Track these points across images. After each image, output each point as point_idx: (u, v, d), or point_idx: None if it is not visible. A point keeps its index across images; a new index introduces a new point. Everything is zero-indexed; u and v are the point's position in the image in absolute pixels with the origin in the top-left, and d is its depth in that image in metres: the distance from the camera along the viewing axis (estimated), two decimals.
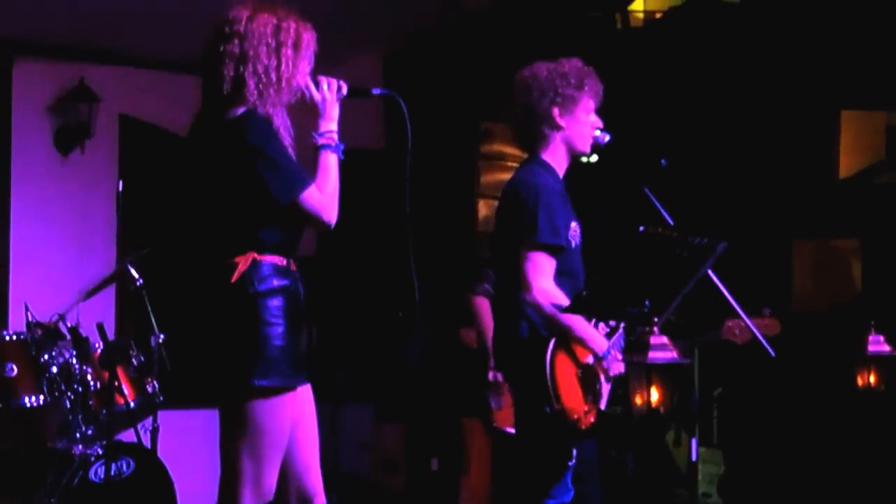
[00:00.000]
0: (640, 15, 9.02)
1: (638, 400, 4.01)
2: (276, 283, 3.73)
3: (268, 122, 3.79)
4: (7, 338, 5.73)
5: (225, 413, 3.79)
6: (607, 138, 4.82)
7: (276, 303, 3.72)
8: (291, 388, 3.76)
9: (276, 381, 3.70)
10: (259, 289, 3.69)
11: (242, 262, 3.70)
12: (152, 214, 7.81)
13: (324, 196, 3.77)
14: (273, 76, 3.78)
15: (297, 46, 3.84)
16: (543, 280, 4.48)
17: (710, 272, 4.19)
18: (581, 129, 4.79)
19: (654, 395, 3.99)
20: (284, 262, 3.80)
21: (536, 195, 4.62)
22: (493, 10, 8.40)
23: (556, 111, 4.74)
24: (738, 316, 4.51)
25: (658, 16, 8.72)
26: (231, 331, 3.70)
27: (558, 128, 4.77)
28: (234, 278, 3.68)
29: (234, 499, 3.75)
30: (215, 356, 3.74)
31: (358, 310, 8.14)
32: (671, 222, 4.59)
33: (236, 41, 3.78)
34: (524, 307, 4.48)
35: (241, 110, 3.75)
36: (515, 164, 8.76)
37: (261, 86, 3.77)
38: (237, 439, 3.74)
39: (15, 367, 5.60)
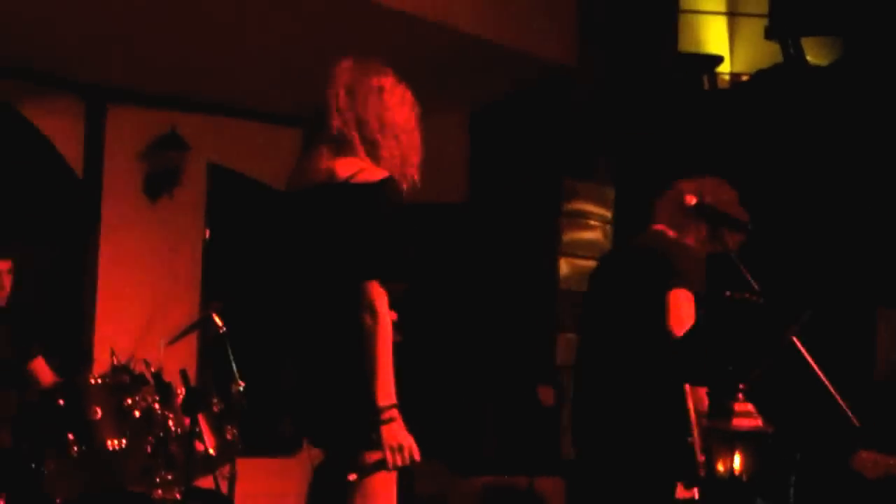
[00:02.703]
0: (727, 77, 9.01)
1: (720, 467, 3.97)
2: None
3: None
4: (92, 381, 5.80)
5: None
6: (694, 201, 4.80)
7: None
8: None
9: None
10: None
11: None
12: (239, 264, 7.89)
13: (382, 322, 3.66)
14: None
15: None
16: None
17: (795, 340, 4.15)
18: None
19: (737, 462, 3.95)
20: None
21: None
22: (580, 69, 8.43)
23: None
24: (872, 447, 4.45)
25: (745, 78, 8.71)
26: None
27: None
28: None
29: None
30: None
31: (434, 364, 8.15)
32: (756, 288, 4.56)
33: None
34: None
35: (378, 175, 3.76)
36: (597, 223, 8.86)
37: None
38: None
39: (99, 411, 5.65)
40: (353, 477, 3.68)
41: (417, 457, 3.67)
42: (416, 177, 3.90)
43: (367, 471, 3.68)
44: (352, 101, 3.82)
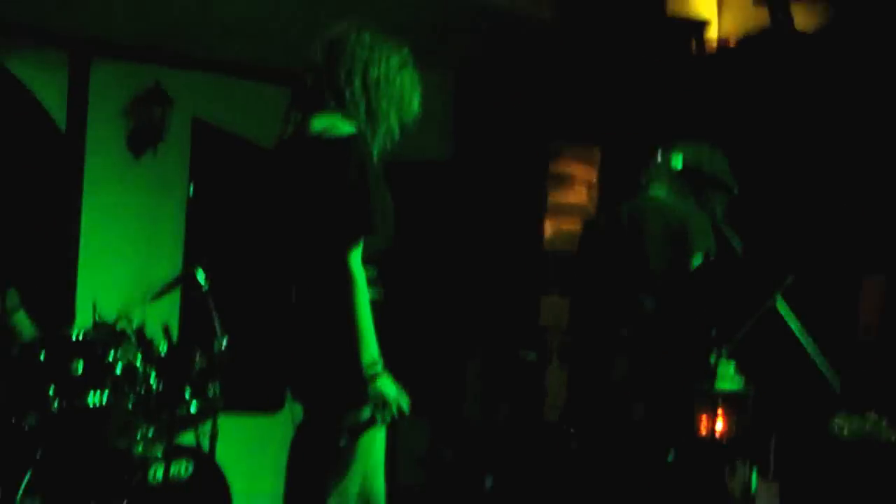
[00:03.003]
0: (715, 42, 8.97)
1: (702, 429, 3.99)
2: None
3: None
4: (74, 337, 5.79)
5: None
6: (680, 163, 4.80)
7: None
8: None
9: None
10: None
11: None
12: (222, 220, 7.86)
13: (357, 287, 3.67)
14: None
15: None
16: None
17: (780, 304, 4.16)
18: None
19: (719, 424, 3.97)
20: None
21: None
22: (566, 30, 8.39)
23: None
24: (851, 410, 4.47)
25: (732, 43, 8.68)
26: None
27: None
28: None
29: None
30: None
31: (418, 324, 8.15)
32: (740, 251, 4.56)
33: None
34: None
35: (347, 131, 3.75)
36: (582, 185, 8.84)
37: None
38: None
39: (80, 366, 5.64)
40: (343, 441, 3.69)
41: (406, 409, 3.68)
42: (395, 140, 3.89)
43: (356, 430, 3.69)
44: (341, 59, 3.80)
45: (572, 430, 5.33)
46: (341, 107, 3.79)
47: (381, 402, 3.64)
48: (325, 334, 3.70)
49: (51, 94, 7.81)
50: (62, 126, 7.86)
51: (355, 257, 3.64)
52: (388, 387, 3.65)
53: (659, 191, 5.04)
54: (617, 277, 4.88)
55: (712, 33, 8.58)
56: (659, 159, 5.05)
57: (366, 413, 3.66)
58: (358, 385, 3.62)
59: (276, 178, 3.86)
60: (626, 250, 4.90)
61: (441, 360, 8.13)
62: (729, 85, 7.80)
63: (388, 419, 3.67)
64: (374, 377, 3.62)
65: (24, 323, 6.15)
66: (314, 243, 3.70)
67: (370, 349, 3.62)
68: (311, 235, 3.71)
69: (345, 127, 3.74)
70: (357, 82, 3.80)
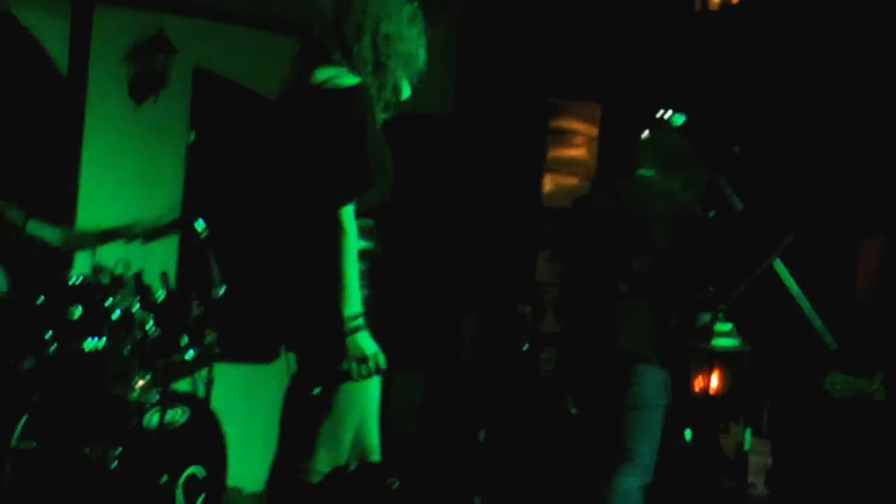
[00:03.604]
0: None
1: (697, 385, 4.00)
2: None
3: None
4: (72, 280, 5.80)
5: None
6: (681, 120, 4.80)
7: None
8: None
9: None
10: None
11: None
12: (222, 168, 7.85)
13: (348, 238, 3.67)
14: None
15: None
16: None
17: (778, 263, 4.17)
18: None
19: (714, 381, 3.99)
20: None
21: None
22: None
23: None
24: (840, 364, 4.50)
25: (735, 1, 8.64)
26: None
27: None
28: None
29: None
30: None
31: (416, 278, 8.16)
32: (741, 209, 4.56)
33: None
34: None
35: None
36: (583, 141, 8.82)
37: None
38: None
39: (78, 311, 5.65)
40: (317, 390, 3.70)
41: (383, 365, 3.67)
42: (399, 96, 3.87)
43: (332, 382, 3.69)
44: (350, 13, 3.77)
45: (566, 396, 5.42)
46: (348, 60, 3.76)
47: (359, 357, 3.63)
48: (314, 285, 3.70)
49: (54, 40, 7.78)
50: (64, 71, 7.83)
51: (348, 210, 3.63)
52: (366, 342, 3.64)
53: (647, 171, 5.16)
54: (611, 246, 5.00)
55: None
56: (646, 137, 5.17)
57: (343, 366, 3.66)
58: (338, 337, 3.62)
59: (276, 127, 3.83)
60: (620, 227, 5.00)
61: (437, 313, 8.13)
62: (732, 41, 7.77)
63: (365, 374, 3.65)
64: (354, 330, 3.61)
65: (43, 230, 6.08)
66: (309, 193, 3.69)
67: (353, 303, 3.61)
68: (307, 185, 3.70)
69: (349, 79, 3.70)
70: (367, 38, 3.77)
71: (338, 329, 3.61)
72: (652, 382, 4.92)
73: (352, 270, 3.61)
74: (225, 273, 6.21)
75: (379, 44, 3.77)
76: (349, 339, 3.60)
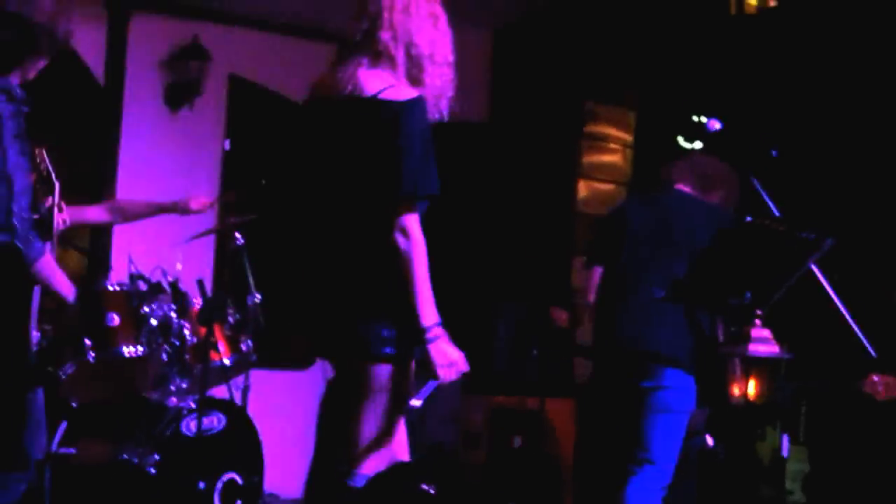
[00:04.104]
0: (754, 2, 8.91)
1: (735, 391, 3.99)
2: None
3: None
4: (110, 288, 5.83)
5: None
6: (717, 125, 4.79)
7: None
8: None
9: None
10: None
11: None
12: (258, 175, 7.87)
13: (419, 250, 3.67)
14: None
15: None
16: None
17: (814, 268, 4.15)
18: None
19: (752, 387, 3.97)
20: None
21: None
22: None
23: None
24: (880, 368, 4.48)
25: (772, 3, 8.61)
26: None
27: None
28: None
29: None
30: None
31: (450, 282, 8.16)
32: (778, 214, 4.54)
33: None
34: None
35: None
36: (617, 147, 8.82)
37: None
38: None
39: (116, 317, 5.66)
40: (417, 403, 3.74)
41: (466, 369, 3.70)
42: (446, 111, 3.87)
43: (421, 387, 3.73)
44: (406, 18, 3.75)
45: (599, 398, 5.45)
46: (390, 68, 3.76)
47: (446, 363, 3.66)
48: (363, 289, 3.71)
49: (90, 48, 7.83)
50: (101, 80, 7.88)
51: (415, 219, 3.64)
52: (449, 347, 3.67)
53: (684, 187, 5.28)
54: (652, 255, 5.06)
55: None
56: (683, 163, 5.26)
57: (428, 374, 3.68)
58: (420, 345, 3.64)
59: (327, 133, 3.80)
60: (662, 238, 5.08)
61: (471, 319, 8.12)
62: (768, 45, 7.74)
63: (453, 378, 3.69)
64: (436, 338, 3.64)
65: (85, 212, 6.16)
66: (375, 202, 3.68)
67: (431, 310, 3.64)
68: (373, 194, 3.68)
69: (404, 90, 3.70)
70: (427, 51, 3.77)
71: (418, 339, 3.63)
72: (679, 387, 4.94)
73: (425, 278, 3.63)
74: (261, 279, 6.24)
75: (413, 56, 3.76)
76: (432, 347, 3.63)
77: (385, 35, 3.73)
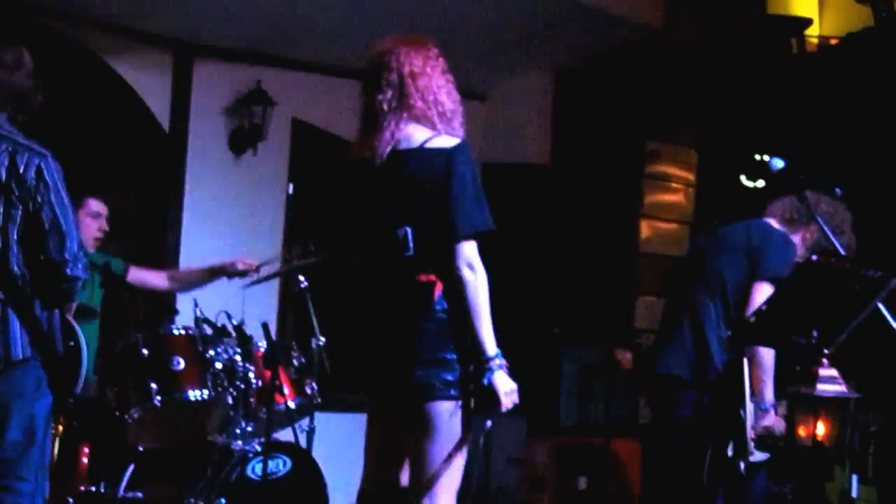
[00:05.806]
0: (815, 40, 8.87)
1: (802, 432, 3.95)
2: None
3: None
4: (176, 332, 5.87)
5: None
6: (780, 164, 4.76)
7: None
8: None
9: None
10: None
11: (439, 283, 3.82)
12: (321, 219, 7.92)
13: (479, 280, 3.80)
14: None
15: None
16: None
17: (881, 307, 4.10)
18: None
19: (821, 428, 3.93)
20: None
21: None
22: (667, 32, 8.36)
23: None
24: None
25: (834, 41, 8.57)
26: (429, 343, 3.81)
27: None
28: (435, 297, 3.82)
29: None
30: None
31: (514, 323, 8.15)
32: (844, 253, 4.51)
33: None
34: None
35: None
36: (679, 186, 8.79)
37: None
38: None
39: (182, 361, 5.71)
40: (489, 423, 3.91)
41: (517, 400, 3.84)
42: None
43: (482, 424, 3.81)
44: (429, 81, 3.91)
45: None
46: (431, 127, 3.89)
47: (508, 392, 3.78)
48: (427, 329, 3.80)
49: (155, 95, 7.93)
50: (166, 126, 7.98)
51: (477, 253, 3.80)
52: (507, 378, 3.79)
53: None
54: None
55: (814, 31, 8.48)
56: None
57: (486, 405, 3.79)
58: (483, 374, 3.76)
59: (383, 185, 3.92)
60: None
61: (535, 358, 8.11)
62: (831, 83, 7.71)
63: (510, 407, 3.81)
64: (500, 367, 3.78)
65: (145, 276, 6.46)
66: (440, 241, 3.81)
67: (492, 340, 3.79)
68: (433, 237, 3.82)
69: (447, 138, 3.86)
70: (450, 105, 3.95)
71: (483, 367, 3.77)
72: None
73: (487, 310, 3.78)
74: (325, 323, 6.26)
75: (443, 111, 3.92)
76: (497, 376, 3.76)
77: (417, 102, 3.89)
